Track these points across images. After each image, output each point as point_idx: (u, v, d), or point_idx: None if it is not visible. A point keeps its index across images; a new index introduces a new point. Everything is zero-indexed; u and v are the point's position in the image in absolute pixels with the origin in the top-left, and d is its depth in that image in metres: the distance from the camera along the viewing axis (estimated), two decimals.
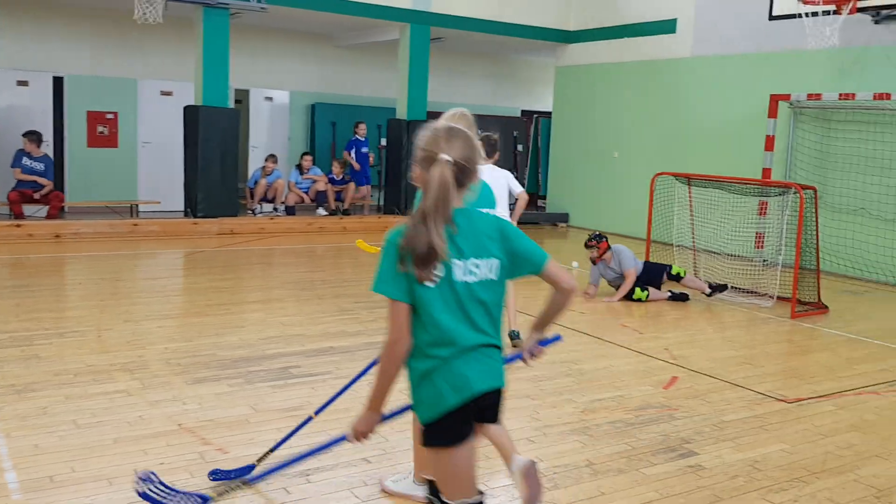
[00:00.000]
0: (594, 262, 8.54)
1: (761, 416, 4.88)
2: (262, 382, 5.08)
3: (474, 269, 2.40)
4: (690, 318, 7.64)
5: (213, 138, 11.71)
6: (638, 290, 8.41)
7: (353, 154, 13.84)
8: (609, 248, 8.53)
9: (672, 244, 9.63)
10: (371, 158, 14.04)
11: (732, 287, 8.80)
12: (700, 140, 12.63)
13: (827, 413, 5.00)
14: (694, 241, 9.61)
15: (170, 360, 5.48)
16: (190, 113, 11.95)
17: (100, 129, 13.74)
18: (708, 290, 8.33)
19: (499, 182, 5.84)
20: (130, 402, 4.63)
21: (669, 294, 8.34)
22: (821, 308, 8.18)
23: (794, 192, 8.05)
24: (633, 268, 8.39)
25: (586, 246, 8.56)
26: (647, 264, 8.53)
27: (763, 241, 10.67)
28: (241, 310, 7.19)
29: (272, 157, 13.01)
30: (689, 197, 9.46)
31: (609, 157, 14.43)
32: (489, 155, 5.76)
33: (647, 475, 3.92)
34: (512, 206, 6.49)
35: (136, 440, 4.08)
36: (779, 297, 8.35)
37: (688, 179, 9.35)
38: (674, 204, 9.57)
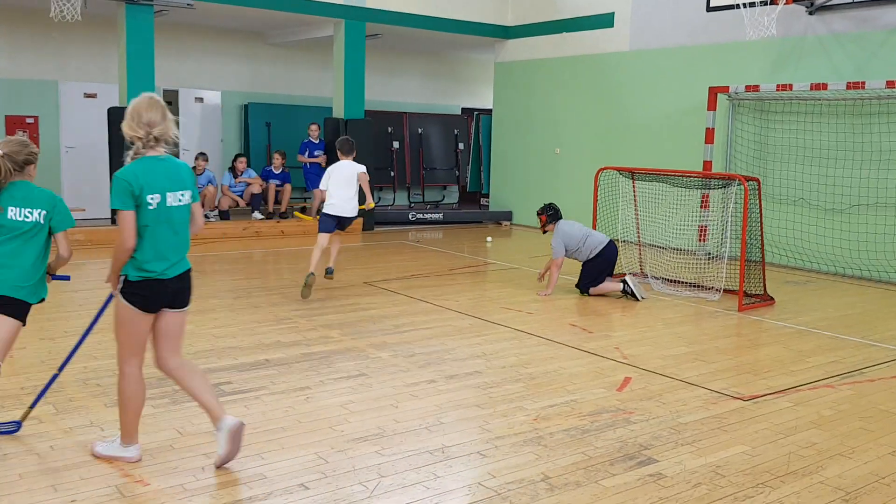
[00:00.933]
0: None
1: (719, 417, 4.70)
2: (191, 402, 4.68)
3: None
4: (639, 315, 7.48)
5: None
6: (579, 291, 8.24)
7: (306, 157, 13.28)
8: (548, 222, 8.37)
9: (618, 239, 9.48)
10: (323, 161, 13.21)
11: (679, 281, 8.70)
12: (641, 134, 12.57)
13: (785, 410, 4.86)
14: (639, 236, 9.49)
15: (88, 380, 5.04)
16: (115, 115, 11.31)
17: (19, 133, 12.97)
18: (620, 290, 8.18)
19: (353, 172, 7.91)
20: (41, 430, 4.20)
21: (622, 286, 8.14)
22: (767, 300, 8.12)
23: (738, 184, 7.98)
24: (559, 256, 8.21)
25: (537, 214, 8.54)
26: (608, 247, 8.30)
27: (706, 235, 10.65)
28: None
29: (202, 156, 12.44)
30: (634, 191, 9.34)
31: (551, 154, 14.30)
32: (348, 153, 7.97)
33: (606, 487, 3.68)
34: None
35: (46, 474, 3.66)
36: (725, 290, 8.28)
37: (631, 174, 9.22)
38: (618, 199, 9.43)
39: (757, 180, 8.04)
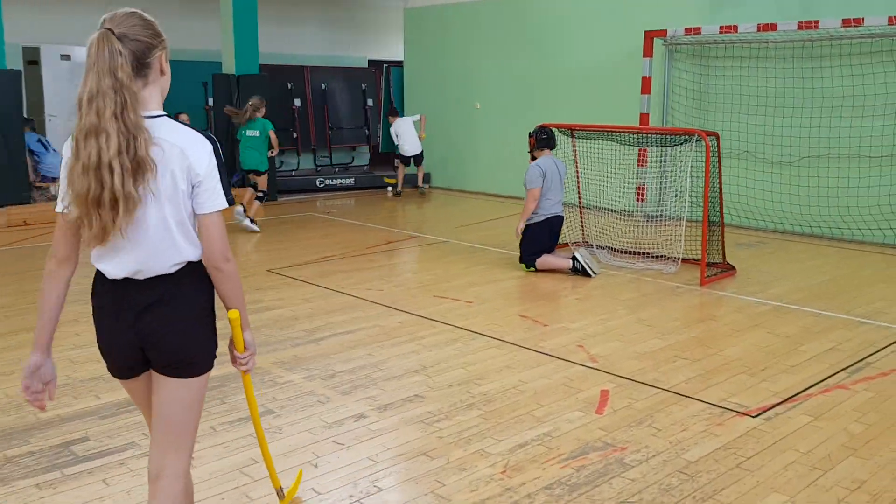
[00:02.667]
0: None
1: (733, 448, 3.68)
2: (25, 479, 3.34)
3: None
4: (594, 297, 6.45)
5: None
6: (523, 266, 7.18)
7: None
8: (537, 147, 7.32)
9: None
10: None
11: (629, 252, 7.73)
12: (569, 85, 11.50)
13: (807, 429, 3.89)
14: (580, 200, 8.46)
15: None
16: None
17: None
18: (570, 267, 7.16)
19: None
20: None
21: (573, 263, 7.10)
22: (728, 269, 7.25)
23: (698, 140, 6.99)
24: (533, 186, 7.13)
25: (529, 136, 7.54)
26: (559, 217, 7.29)
27: (645, 194, 9.72)
28: (11, 343, 5.25)
29: None
30: (574, 150, 8.26)
31: (470, 109, 13.09)
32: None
33: None
34: None
35: None
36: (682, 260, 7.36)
37: (571, 131, 8.13)
38: (560, 159, 8.33)
39: (716, 135, 7.08)
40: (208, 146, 2.12)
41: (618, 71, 10.78)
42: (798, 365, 4.84)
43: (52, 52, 12.39)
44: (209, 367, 2.24)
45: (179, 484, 2.23)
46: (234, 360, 2.33)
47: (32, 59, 12.41)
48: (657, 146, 7.70)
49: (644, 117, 10.18)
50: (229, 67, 11.61)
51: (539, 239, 7.24)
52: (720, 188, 7.22)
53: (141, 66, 2.05)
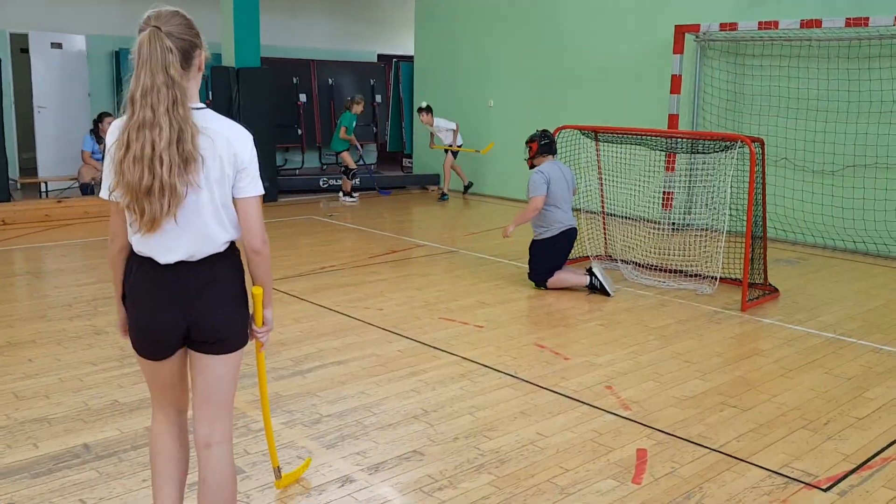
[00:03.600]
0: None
1: None
2: None
3: None
4: (621, 325, 5.70)
5: None
6: (532, 284, 6.48)
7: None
8: (539, 153, 6.57)
9: (579, 210, 7.68)
10: None
11: (657, 268, 6.99)
12: (591, 83, 10.73)
13: None
14: (604, 208, 7.71)
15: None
16: None
17: None
18: (587, 284, 6.44)
19: None
20: None
21: (589, 279, 6.38)
22: (771, 291, 6.49)
23: (741, 146, 6.23)
24: (537, 195, 6.41)
25: (526, 143, 6.75)
26: (573, 230, 6.57)
27: (671, 201, 8.94)
28: None
29: (107, 115, 10.07)
30: (598, 154, 7.52)
31: (483, 107, 12.35)
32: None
33: None
34: None
35: None
36: (706, 276, 6.60)
37: (595, 134, 7.39)
38: (580, 162, 7.60)
39: (761, 141, 6.33)
40: (251, 137, 2.28)
41: (645, 68, 10.02)
42: (867, 417, 4.09)
43: (41, 40, 11.72)
44: (246, 341, 2.42)
45: (229, 447, 2.44)
46: (251, 333, 2.44)
47: (23, 46, 11.77)
48: (694, 152, 6.94)
49: (673, 119, 9.42)
50: (229, 60, 10.90)
51: (551, 255, 6.51)
52: (763, 200, 6.46)
53: (186, 62, 2.15)
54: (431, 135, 11.95)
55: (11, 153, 11.58)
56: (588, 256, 7.54)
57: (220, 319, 2.29)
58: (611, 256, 7.55)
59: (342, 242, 8.46)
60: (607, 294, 6.34)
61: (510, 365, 4.75)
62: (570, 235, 6.55)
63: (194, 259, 2.23)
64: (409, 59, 14.22)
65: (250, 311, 2.42)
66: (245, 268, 2.39)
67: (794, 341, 5.36)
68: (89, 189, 10.05)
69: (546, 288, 6.51)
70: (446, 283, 6.75)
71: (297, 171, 14.06)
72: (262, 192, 2.32)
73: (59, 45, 11.85)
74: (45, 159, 11.64)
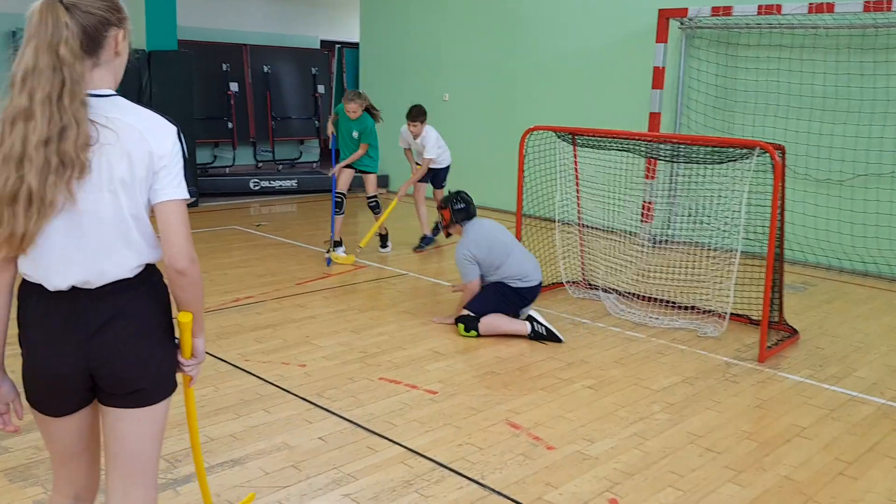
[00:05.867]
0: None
1: None
2: None
3: None
4: (613, 385, 4.41)
5: None
6: (461, 326, 5.13)
7: None
8: (455, 221, 5.38)
9: (555, 220, 6.39)
10: None
11: (648, 298, 5.75)
12: (560, 76, 9.45)
13: None
14: (580, 222, 6.44)
15: None
16: None
17: None
18: (529, 332, 5.10)
19: None
20: None
21: (531, 329, 5.08)
22: (790, 333, 5.30)
23: (760, 154, 4.99)
24: (470, 280, 5.20)
25: (438, 209, 5.54)
26: (537, 288, 5.24)
27: (651, 213, 7.71)
28: None
29: None
30: (575, 161, 6.24)
31: (438, 101, 10.98)
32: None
33: None
34: None
35: None
36: (711, 312, 5.38)
37: (573, 136, 6.10)
38: (554, 168, 6.32)
39: (783, 148, 5.11)
40: (173, 129, 1.83)
41: (622, 60, 8.77)
42: None
43: None
44: (173, 388, 1.98)
45: None
46: (178, 365, 1.98)
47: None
48: (696, 162, 5.70)
49: (654, 117, 8.19)
50: (139, 42, 9.33)
51: (506, 298, 5.17)
52: (782, 220, 5.25)
53: (92, 43, 1.75)
54: (408, 152, 8.01)
55: None
56: (563, 283, 6.28)
57: (128, 362, 1.84)
58: (589, 283, 6.29)
59: (266, 262, 7.02)
60: (558, 340, 5.04)
61: (475, 461, 3.41)
62: (532, 292, 5.23)
63: (92, 286, 1.79)
64: (355, 45, 12.77)
65: (176, 344, 1.97)
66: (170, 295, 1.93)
67: (837, 412, 4.13)
68: None
69: (477, 333, 5.14)
70: (392, 322, 5.39)
71: (227, 170, 12.52)
72: (187, 196, 1.85)
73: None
74: None
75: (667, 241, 6.82)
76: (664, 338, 5.24)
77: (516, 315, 5.21)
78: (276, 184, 10.93)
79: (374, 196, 7.50)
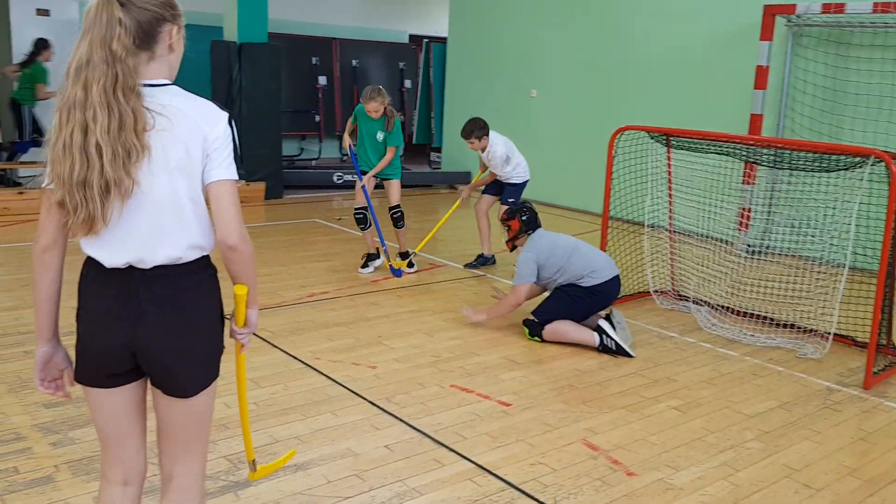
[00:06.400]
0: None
1: None
2: None
3: None
4: (700, 405, 4.10)
5: None
6: (525, 330, 4.90)
7: None
8: (522, 232, 5.11)
9: (644, 225, 6.08)
10: None
11: (741, 313, 5.38)
12: (655, 74, 9.07)
13: None
14: (672, 228, 6.10)
15: None
16: None
17: None
18: (597, 344, 4.82)
19: None
20: None
21: (599, 341, 4.80)
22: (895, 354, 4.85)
23: (875, 163, 4.56)
24: (523, 283, 4.93)
25: (501, 221, 5.26)
26: (613, 283, 4.93)
27: (749, 221, 7.25)
28: None
29: None
30: (669, 163, 5.91)
31: (525, 97, 10.73)
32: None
33: None
34: None
35: None
36: (811, 331, 4.96)
37: (666, 137, 5.77)
38: (645, 170, 6.01)
39: None
40: (224, 115, 1.89)
41: (723, 58, 8.33)
42: None
43: (25, 5, 10.36)
44: (215, 376, 2.01)
45: (195, 486, 2.05)
46: (231, 332, 2.04)
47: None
48: (801, 169, 5.28)
49: (756, 119, 7.72)
50: (231, 34, 9.44)
51: (577, 301, 4.88)
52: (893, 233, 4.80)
53: (147, 38, 1.81)
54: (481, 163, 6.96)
55: None
56: (650, 292, 5.96)
57: (170, 353, 1.87)
58: (679, 293, 5.95)
59: (344, 257, 6.94)
60: (628, 356, 4.74)
61: (548, 484, 3.19)
62: (608, 289, 4.92)
63: (146, 265, 1.83)
64: (443, 40, 12.64)
65: (229, 317, 2.02)
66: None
67: None
68: None
69: (541, 338, 4.90)
70: (466, 326, 5.20)
71: (313, 162, 12.60)
72: (236, 177, 1.90)
73: (45, 13, 10.50)
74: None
75: (765, 251, 6.40)
76: (760, 357, 4.88)
77: (593, 313, 4.95)
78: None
79: (398, 206, 6.55)
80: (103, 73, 1.73)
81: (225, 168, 1.87)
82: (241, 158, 1.94)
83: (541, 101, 10.49)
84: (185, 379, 1.93)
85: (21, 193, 8.04)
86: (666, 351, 4.92)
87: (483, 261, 6.90)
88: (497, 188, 6.78)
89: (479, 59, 11.41)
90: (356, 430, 3.59)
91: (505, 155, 6.53)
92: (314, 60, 12.66)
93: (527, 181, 6.76)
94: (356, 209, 6.40)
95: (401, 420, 3.72)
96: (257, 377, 4.13)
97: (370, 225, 6.41)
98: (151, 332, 1.85)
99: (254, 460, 2.61)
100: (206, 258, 1.94)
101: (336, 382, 4.13)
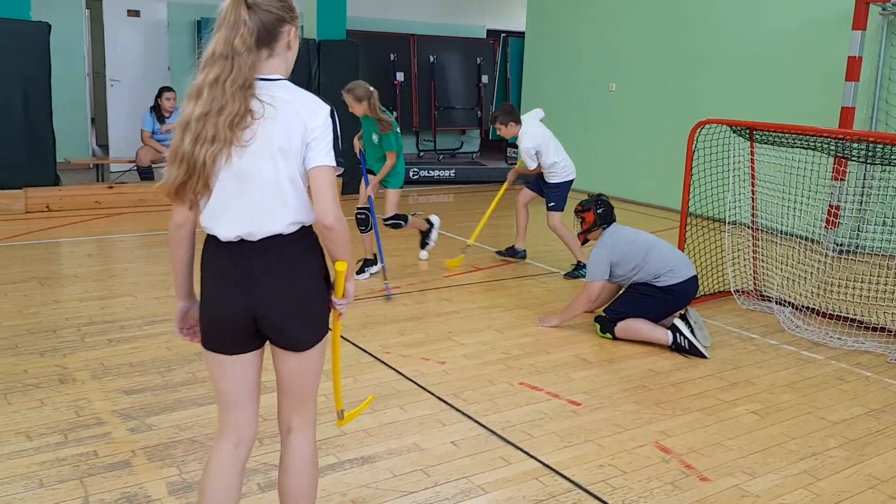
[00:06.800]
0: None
1: None
2: None
3: None
4: (781, 410, 3.93)
5: (8, 69, 7.66)
6: (597, 326, 4.79)
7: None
8: (596, 225, 4.98)
9: (725, 221, 5.88)
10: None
11: (830, 315, 5.14)
12: (738, 65, 8.77)
13: None
14: (754, 225, 5.88)
15: None
16: None
17: None
18: (670, 342, 4.66)
19: None
20: None
21: (673, 337, 4.65)
22: None
23: None
24: (596, 279, 4.81)
25: (576, 213, 5.12)
26: (690, 283, 4.78)
27: (837, 218, 6.92)
28: None
29: (167, 90, 8.95)
30: (752, 156, 5.70)
31: (604, 91, 10.55)
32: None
33: None
34: None
35: None
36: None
37: (750, 131, 5.56)
38: (727, 166, 5.81)
39: None
40: (326, 108, 2.08)
41: (811, 48, 7.99)
42: None
43: (116, 8, 10.78)
44: (326, 332, 2.23)
45: (310, 434, 2.30)
46: (331, 303, 2.23)
47: (92, 15, 10.95)
48: (894, 165, 5.00)
49: (846, 113, 7.36)
50: (310, 32, 9.59)
51: (651, 300, 4.75)
52: None
53: (268, 37, 2.04)
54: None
55: (83, 131, 10.77)
56: (730, 291, 5.76)
57: (286, 312, 2.12)
58: (761, 293, 5.73)
59: (416, 253, 6.96)
60: (702, 356, 4.57)
61: (617, 486, 3.11)
62: (685, 289, 4.76)
63: (254, 238, 2.06)
64: (521, 34, 12.53)
65: (330, 289, 2.22)
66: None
67: None
68: (149, 174, 8.99)
69: (613, 337, 4.79)
70: (540, 327, 5.13)
71: None
72: (335, 164, 2.08)
73: (136, 13, 10.90)
74: (117, 138, 10.74)
75: (854, 250, 6.10)
76: (846, 361, 4.65)
77: (669, 314, 4.81)
78: (435, 173, 10.94)
79: (391, 217, 6.03)
80: (220, 66, 1.97)
81: (323, 155, 2.05)
82: (341, 148, 2.10)
83: (620, 94, 10.29)
84: (298, 337, 2.16)
85: (111, 188, 8.38)
86: (746, 353, 4.74)
87: (512, 252, 6.75)
88: (538, 186, 6.50)
89: (557, 52, 11.27)
90: (423, 426, 3.59)
91: (533, 149, 6.16)
92: (392, 57, 12.75)
93: (569, 181, 6.38)
94: (358, 209, 5.99)
95: (468, 416, 3.70)
96: (327, 370, 4.18)
97: (371, 228, 5.99)
98: (266, 297, 2.08)
99: (342, 410, 2.76)
100: (308, 229, 2.15)
101: (405, 377, 4.14)
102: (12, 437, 3.30)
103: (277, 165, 2.03)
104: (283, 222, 2.07)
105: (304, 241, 2.14)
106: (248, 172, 2.03)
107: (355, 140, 6.09)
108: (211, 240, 2.13)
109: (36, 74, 7.78)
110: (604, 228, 4.96)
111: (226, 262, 2.09)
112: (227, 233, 2.07)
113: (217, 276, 2.11)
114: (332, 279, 2.21)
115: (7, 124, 7.72)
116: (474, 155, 13.53)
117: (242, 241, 2.07)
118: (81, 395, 3.75)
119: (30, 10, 7.76)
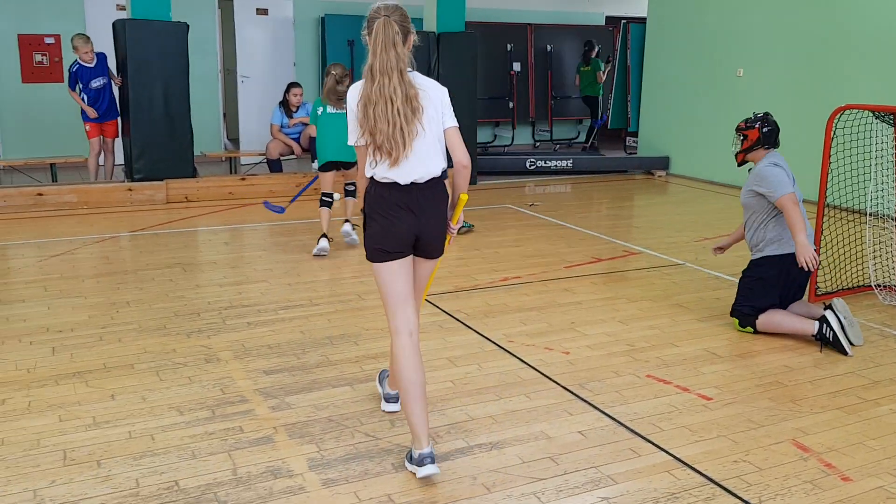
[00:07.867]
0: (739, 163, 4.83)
1: None
2: None
3: None
4: None
5: (151, 68, 8.17)
6: (735, 321, 4.63)
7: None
8: (759, 144, 4.63)
9: (866, 213, 5.58)
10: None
11: None
12: (880, 46, 8.26)
13: None
14: None
15: None
16: (131, 29, 8.36)
17: (38, 57, 10.45)
18: (814, 332, 4.41)
19: None
20: None
21: (818, 327, 4.42)
22: None
23: None
24: (786, 192, 4.42)
25: (737, 130, 4.75)
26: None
27: None
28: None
29: (295, 86, 9.35)
30: None
31: (730, 77, 10.18)
32: None
33: None
34: None
35: None
36: None
37: (894, 117, 5.25)
38: (868, 154, 5.50)
39: None
40: (445, 89, 3.05)
41: None
42: None
43: (246, 5, 11.27)
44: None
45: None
46: (447, 228, 3.12)
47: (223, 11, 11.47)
48: None
49: None
50: (430, 24, 9.72)
51: (775, 282, 4.55)
52: None
53: (403, 41, 2.88)
54: None
55: (216, 125, 11.34)
56: (871, 286, 5.47)
57: (435, 232, 3.03)
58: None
59: (536, 243, 6.97)
60: (843, 353, 4.32)
61: (752, 483, 3.03)
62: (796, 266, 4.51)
63: (423, 181, 2.95)
64: (642, 20, 12.25)
65: (448, 215, 3.09)
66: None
67: None
68: (278, 166, 9.38)
69: (754, 330, 4.59)
70: (664, 316, 5.05)
71: (505, 149, 12.72)
72: (457, 124, 3.04)
73: (264, 11, 11.37)
74: (248, 132, 11.25)
75: None
76: None
77: (802, 289, 4.61)
78: (552, 164, 10.87)
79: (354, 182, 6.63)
80: (394, 67, 2.82)
81: (452, 120, 3.01)
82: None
83: (748, 79, 9.89)
84: (436, 248, 3.08)
85: (243, 180, 8.80)
86: (889, 350, 4.49)
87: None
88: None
89: (680, 38, 10.95)
90: (549, 414, 3.60)
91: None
92: (509, 47, 12.74)
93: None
94: (324, 193, 6.51)
95: (594, 407, 3.69)
96: (453, 356, 4.26)
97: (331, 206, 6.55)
98: (427, 220, 2.98)
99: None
100: (445, 173, 3.02)
101: (529, 366, 4.17)
102: (166, 412, 3.55)
103: (432, 128, 2.94)
104: (438, 168, 2.97)
105: (443, 182, 3.02)
106: (422, 134, 2.91)
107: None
108: (377, 185, 2.96)
109: (176, 73, 8.26)
110: (766, 149, 4.66)
111: (404, 198, 2.92)
112: (406, 178, 2.91)
113: (395, 209, 2.93)
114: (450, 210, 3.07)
115: (150, 120, 8.23)
116: (592, 144, 13.34)
117: (413, 183, 2.92)
118: (226, 373, 3.99)
119: (170, 11, 8.23)
